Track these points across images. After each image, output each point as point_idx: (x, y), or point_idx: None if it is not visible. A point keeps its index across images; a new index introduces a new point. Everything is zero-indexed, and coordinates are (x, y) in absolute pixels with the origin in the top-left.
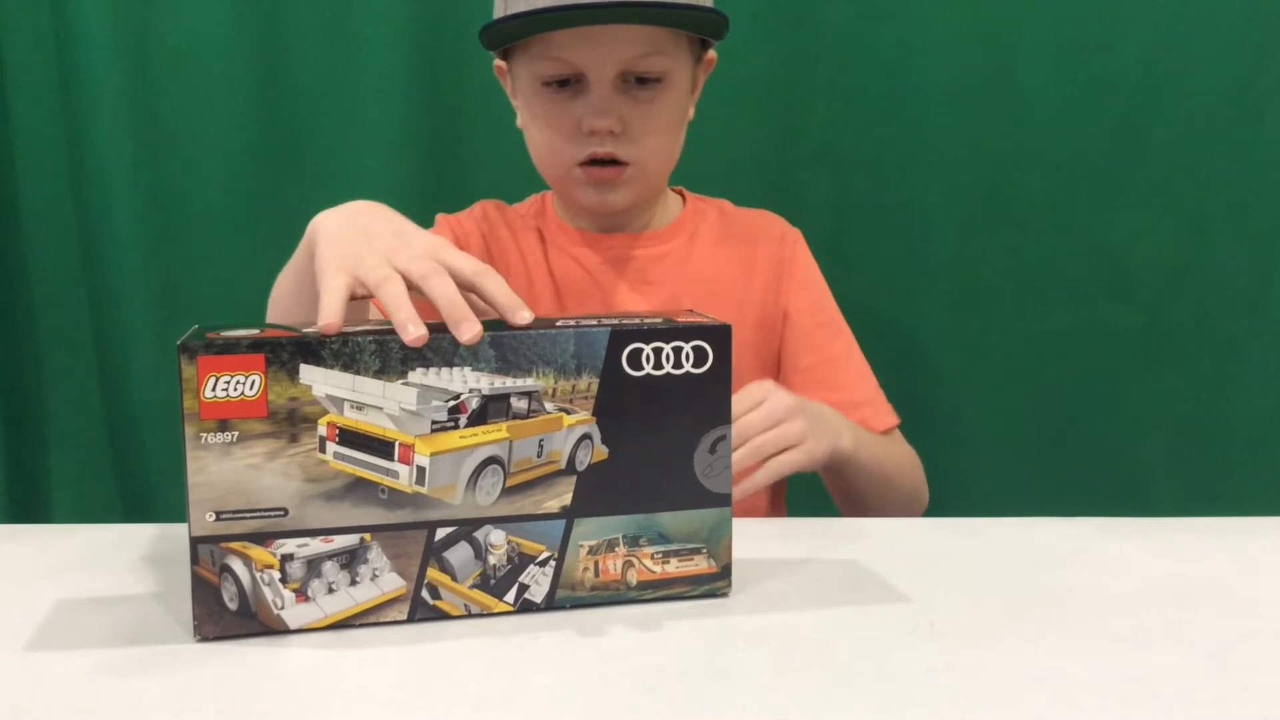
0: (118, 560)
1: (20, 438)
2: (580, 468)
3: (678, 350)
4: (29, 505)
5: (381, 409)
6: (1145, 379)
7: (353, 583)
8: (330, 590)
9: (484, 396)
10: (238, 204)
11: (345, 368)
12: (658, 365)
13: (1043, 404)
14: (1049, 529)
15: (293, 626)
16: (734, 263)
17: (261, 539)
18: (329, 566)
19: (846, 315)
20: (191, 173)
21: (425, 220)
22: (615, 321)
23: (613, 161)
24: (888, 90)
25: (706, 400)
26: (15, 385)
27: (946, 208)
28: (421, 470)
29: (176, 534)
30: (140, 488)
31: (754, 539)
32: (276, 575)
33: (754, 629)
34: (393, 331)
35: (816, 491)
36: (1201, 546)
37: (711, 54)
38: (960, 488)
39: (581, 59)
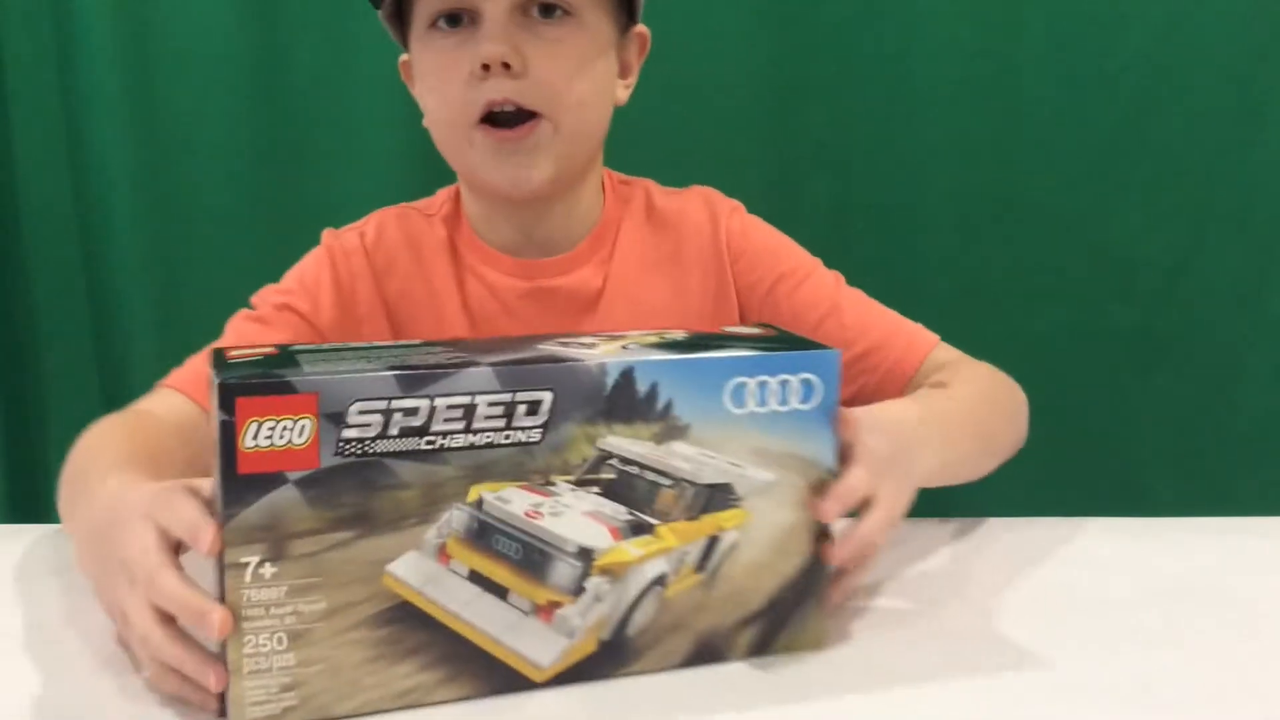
0: None
1: (20, 438)
2: None
3: None
4: (29, 505)
5: None
6: (1145, 379)
7: None
8: None
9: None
10: (238, 204)
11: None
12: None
13: (1043, 404)
14: (1049, 529)
15: None
16: (665, 277)
17: None
18: None
19: None
20: (191, 173)
21: None
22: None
23: (517, 114)
24: (887, 90)
25: None
26: (15, 385)
27: (946, 208)
28: None
29: None
30: None
31: None
32: None
33: None
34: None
35: None
36: (1201, 546)
37: (643, 29)
38: (960, 488)
39: None
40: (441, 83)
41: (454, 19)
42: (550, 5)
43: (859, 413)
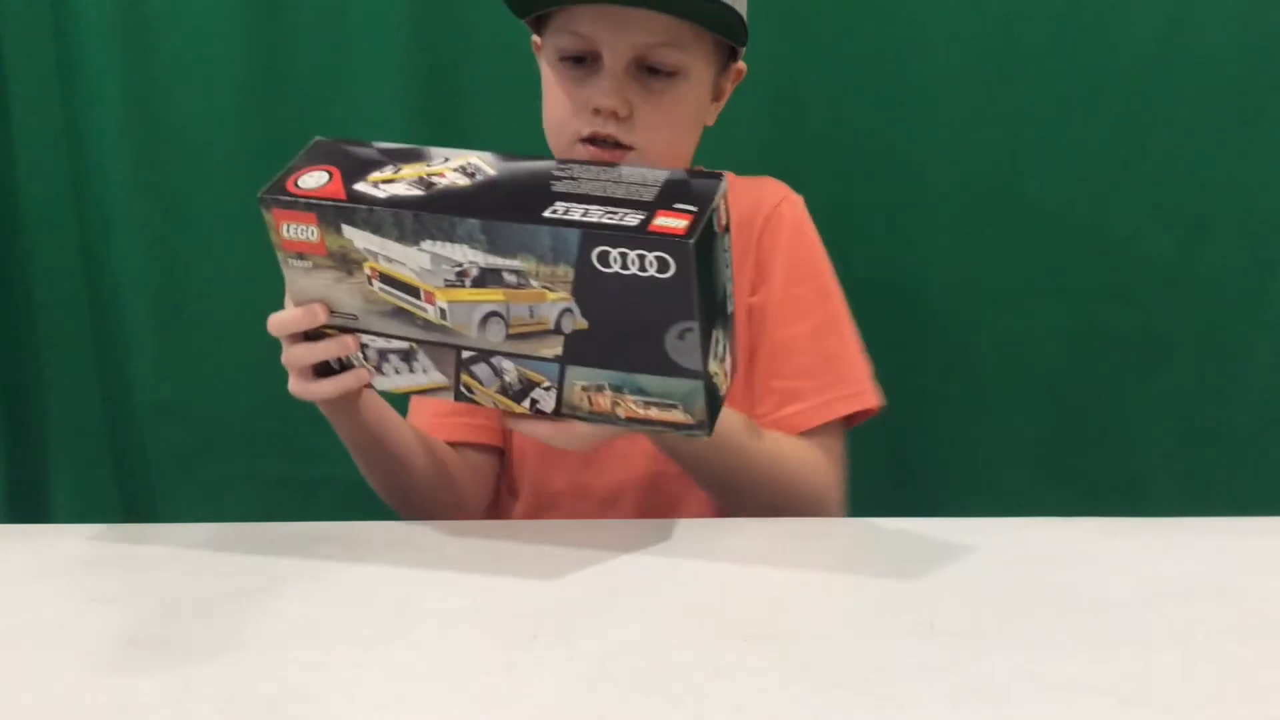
0: (118, 560)
1: (20, 438)
2: (565, 330)
3: (642, 256)
4: (29, 505)
5: (405, 264)
6: (1145, 379)
7: (410, 372)
8: (397, 372)
9: (481, 269)
10: (238, 204)
11: (374, 232)
12: (624, 265)
13: (1043, 404)
14: (1049, 529)
15: (379, 389)
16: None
17: (345, 330)
18: (394, 358)
19: None
20: (192, 172)
21: None
22: (594, 219)
23: (615, 145)
24: (887, 90)
25: (670, 300)
26: (15, 385)
27: (946, 207)
28: (443, 310)
29: (176, 534)
30: (140, 488)
31: (754, 539)
32: (360, 355)
33: (754, 629)
34: (409, 206)
35: None
36: (1201, 546)
37: (741, 65)
38: (960, 488)
39: (598, 37)
40: (562, 104)
41: (580, 58)
42: (664, 67)
43: None
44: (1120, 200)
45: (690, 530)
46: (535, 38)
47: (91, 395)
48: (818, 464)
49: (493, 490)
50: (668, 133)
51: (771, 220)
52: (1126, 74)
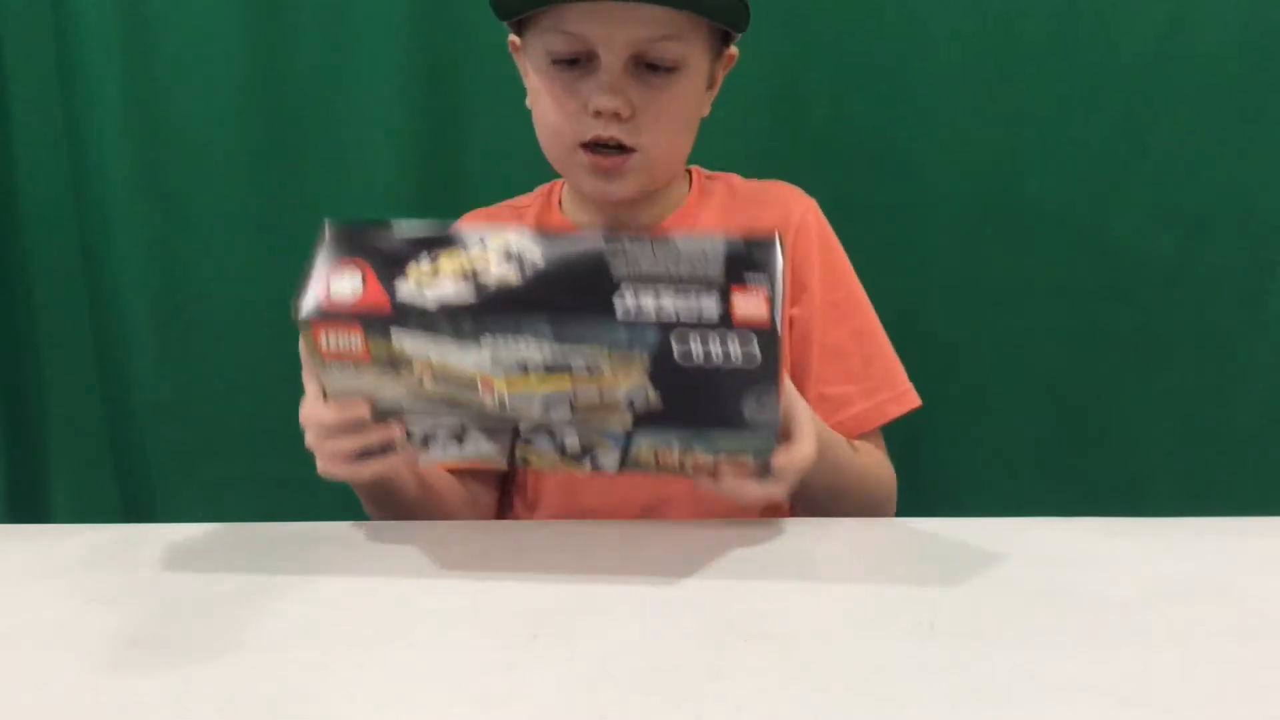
0: (118, 560)
1: (20, 438)
2: (638, 409)
3: (724, 342)
4: (29, 505)
5: (462, 360)
6: (1145, 379)
7: (460, 447)
8: (444, 448)
9: (547, 364)
10: (238, 204)
11: (427, 335)
12: (705, 353)
13: (1043, 404)
14: (1049, 529)
15: (423, 464)
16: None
17: (387, 417)
18: (442, 435)
19: None
20: (192, 172)
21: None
22: (669, 309)
23: (618, 148)
24: (887, 89)
25: (752, 374)
26: (15, 385)
27: (946, 207)
28: (503, 400)
29: (176, 534)
30: (140, 488)
31: (755, 539)
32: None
33: (754, 629)
34: (467, 314)
35: None
36: (1201, 546)
37: (733, 50)
38: (960, 488)
39: (593, 36)
40: (558, 110)
41: (572, 60)
42: (663, 63)
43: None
44: (1120, 200)
45: (691, 530)
46: (514, 38)
47: (91, 395)
48: (882, 464)
49: (494, 513)
50: (670, 132)
51: (801, 231)
52: (1127, 73)
